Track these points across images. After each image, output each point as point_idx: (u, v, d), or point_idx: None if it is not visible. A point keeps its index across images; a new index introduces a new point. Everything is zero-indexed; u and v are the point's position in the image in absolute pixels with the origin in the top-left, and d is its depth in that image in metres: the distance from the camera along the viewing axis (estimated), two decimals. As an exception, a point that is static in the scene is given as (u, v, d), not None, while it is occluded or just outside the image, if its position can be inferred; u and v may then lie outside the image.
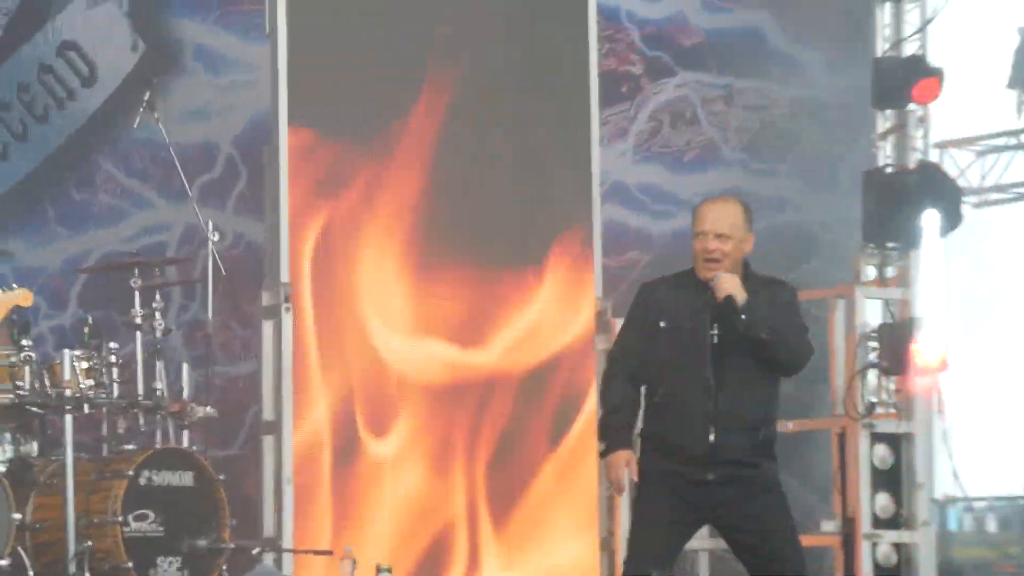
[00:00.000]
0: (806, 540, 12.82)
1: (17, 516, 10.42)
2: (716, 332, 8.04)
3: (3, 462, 10.65)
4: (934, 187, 12.71)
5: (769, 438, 8.10)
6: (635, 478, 8.27)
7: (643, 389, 8.25)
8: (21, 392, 10.78)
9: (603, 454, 8.26)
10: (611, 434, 8.29)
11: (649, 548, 8.23)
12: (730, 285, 7.91)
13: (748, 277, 8.09)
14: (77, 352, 11.13)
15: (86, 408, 11.02)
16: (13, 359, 10.75)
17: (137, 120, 12.87)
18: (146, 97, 12.77)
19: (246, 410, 12.26)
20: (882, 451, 12.31)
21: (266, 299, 11.92)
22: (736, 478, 8.12)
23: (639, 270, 8.98)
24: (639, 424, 8.25)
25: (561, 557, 12.24)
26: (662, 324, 8.18)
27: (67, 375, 10.93)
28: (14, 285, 8.33)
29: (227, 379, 12.35)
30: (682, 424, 8.19)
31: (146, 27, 13.81)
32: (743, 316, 7.87)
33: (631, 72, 14.96)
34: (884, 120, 12.97)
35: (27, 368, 10.81)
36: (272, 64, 12.14)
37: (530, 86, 12.78)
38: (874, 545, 11.93)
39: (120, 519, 10.66)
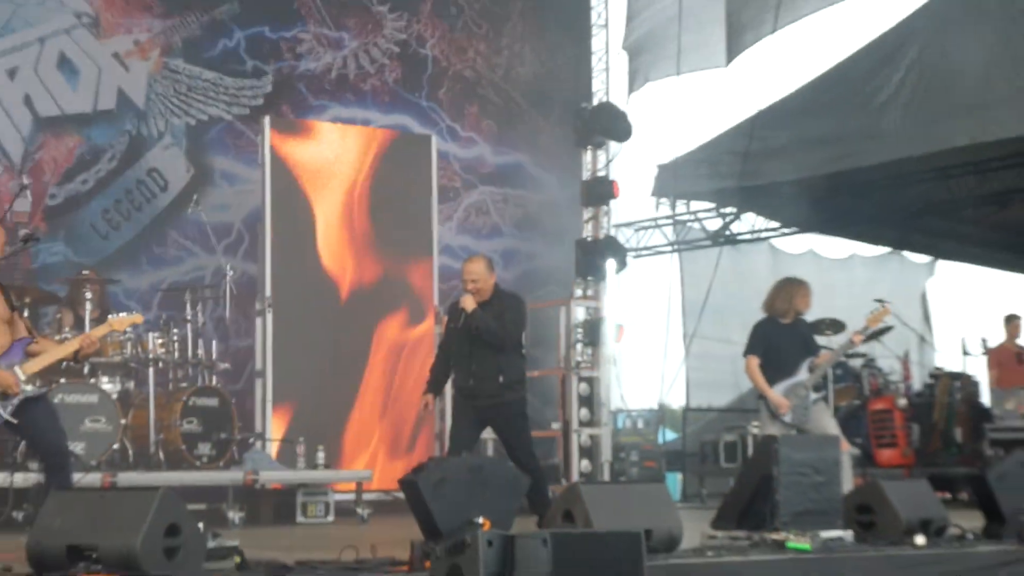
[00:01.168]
0: (543, 433, 13.06)
1: (123, 421, 10.45)
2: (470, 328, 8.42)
3: (116, 391, 10.66)
4: (613, 248, 12.89)
5: (508, 381, 8.44)
6: (431, 408, 9.15)
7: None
8: (126, 355, 10.86)
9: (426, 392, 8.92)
10: (426, 385, 8.87)
11: (457, 439, 8.48)
12: (465, 303, 8.35)
13: (496, 294, 8.49)
14: (156, 333, 11.15)
15: (160, 364, 11.10)
16: (121, 338, 10.79)
17: (189, 210, 12.91)
18: (195, 197, 12.81)
19: (249, 362, 12.24)
20: (583, 386, 12.30)
21: (258, 305, 12.02)
22: (491, 404, 8.40)
23: (458, 291, 9.15)
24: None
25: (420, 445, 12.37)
26: (451, 325, 8.51)
27: (150, 346, 10.96)
28: (133, 311, 8.16)
29: (237, 348, 12.30)
30: (459, 377, 8.56)
31: (195, 159, 13.75)
32: (467, 319, 8.30)
33: (453, 186, 14.99)
34: (588, 212, 13.17)
35: (128, 343, 10.87)
36: (262, 177, 12.22)
37: (399, 194, 12.91)
38: (579, 436, 12.07)
39: (178, 423, 10.74)
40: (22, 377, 6.79)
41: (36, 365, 6.89)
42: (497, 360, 8.37)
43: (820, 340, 12.43)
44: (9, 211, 11.92)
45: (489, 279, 8.44)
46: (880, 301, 9.53)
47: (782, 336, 9.21)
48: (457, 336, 8.50)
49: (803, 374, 9.05)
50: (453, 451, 8.35)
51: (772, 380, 9.04)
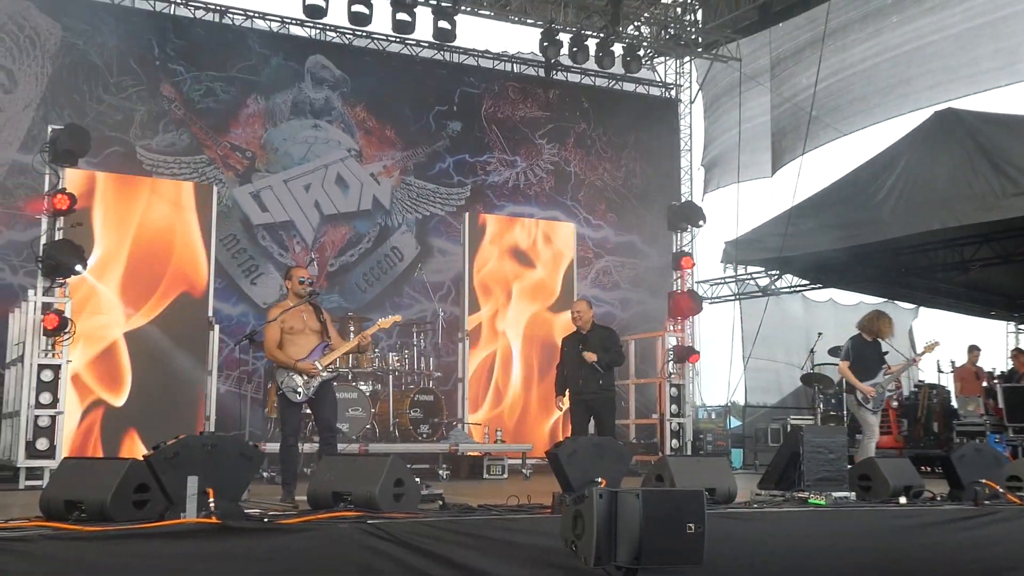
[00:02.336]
0: (646, 421, 12.78)
1: (372, 410, 10.62)
2: (581, 351, 8.25)
3: (368, 391, 10.83)
4: (694, 298, 12.64)
5: (606, 384, 8.35)
6: (563, 407, 8.77)
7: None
8: (375, 367, 11.05)
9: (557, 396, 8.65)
10: (555, 390, 8.69)
11: (576, 426, 8.39)
12: (585, 350, 8.31)
13: (595, 327, 8.38)
14: (394, 353, 11.33)
15: (396, 373, 11.25)
16: (372, 355, 10.99)
17: (416, 273, 13.14)
18: (419, 265, 13.06)
19: (453, 372, 12.26)
20: (673, 390, 11.68)
21: (460, 336, 12.11)
22: (594, 397, 8.28)
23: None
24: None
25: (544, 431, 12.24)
26: (565, 349, 8.39)
27: (390, 361, 11.17)
28: (394, 314, 8.05)
29: (446, 363, 12.32)
30: (573, 382, 8.38)
31: (420, 240, 14.01)
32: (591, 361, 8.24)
33: (587, 256, 14.99)
34: (676, 273, 12.96)
35: (376, 358, 11.06)
36: (463, 251, 12.35)
37: (556, 265, 12.86)
38: (670, 423, 11.80)
39: (408, 412, 10.87)
40: (320, 367, 6.89)
41: (329, 358, 6.94)
42: (597, 373, 8.37)
43: (835, 361, 12.14)
44: (304, 274, 12.31)
45: (588, 313, 8.53)
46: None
47: (866, 349, 8.97)
48: (571, 354, 8.51)
49: (880, 377, 8.84)
50: (574, 433, 8.31)
51: (859, 379, 8.81)
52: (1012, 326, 16.87)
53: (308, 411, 7.55)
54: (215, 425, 9.83)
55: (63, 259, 8.53)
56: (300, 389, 6.80)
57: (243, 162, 13.11)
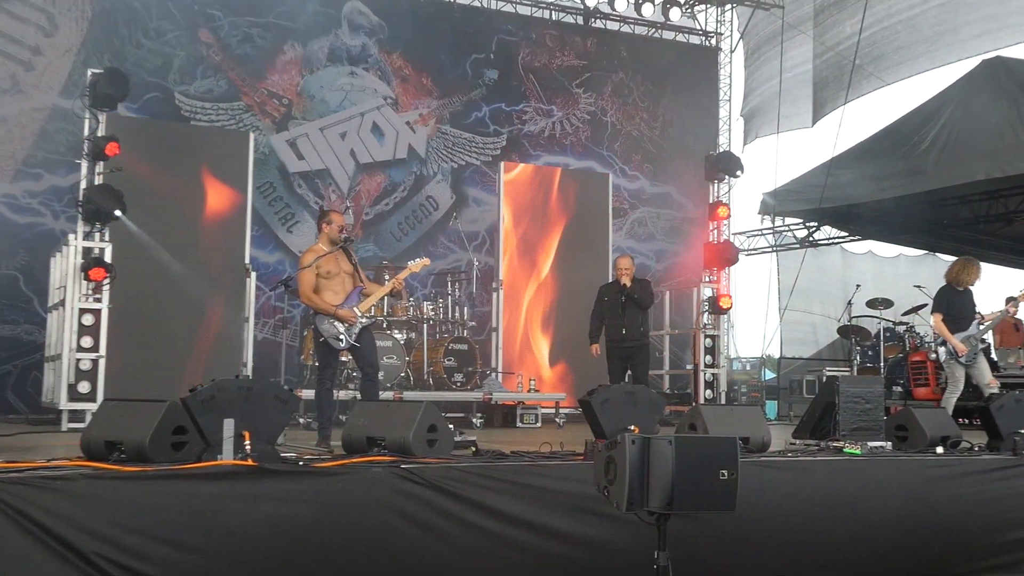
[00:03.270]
0: (680, 371, 12.74)
1: (407, 358, 10.62)
2: (623, 298, 8.25)
3: (403, 339, 10.82)
4: (730, 249, 12.48)
5: (645, 331, 8.49)
6: (597, 352, 8.76)
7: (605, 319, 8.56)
8: (409, 316, 11.03)
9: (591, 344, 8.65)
10: (590, 338, 8.68)
11: (613, 374, 8.41)
12: (625, 283, 8.43)
13: (635, 279, 8.40)
14: (428, 302, 11.29)
15: (431, 322, 11.21)
16: (407, 304, 10.98)
17: (451, 222, 13.08)
18: (454, 214, 12.99)
19: (488, 322, 12.26)
20: (708, 340, 11.78)
21: (494, 285, 12.07)
22: (634, 345, 8.33)
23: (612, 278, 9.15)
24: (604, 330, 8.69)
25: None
26: (606, 298, 8.41)
27: (425, 311, 11.12)
28: (422, 258, 7.81)
29: (480, 313, 12.37)
30: (613, 329, 8.46)
31: (455, 189, 13.93)
32: (627, 291, 8.32)
33: (623, 207, 14.83)
34: (712, 224, 12.75)
35: (411, 307, 11.04)
36: (498, 201, 12.27)
37: (591, 215, 12.78)
38: (704, 374, 11.73)
39: (442, 360, 10.86)
40: (359, 313, 6.88)
41: (367, 303, 6.93)
42: (640, 317, 8.56)
43: (873, 314, 11.97)
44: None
45: (632, 268, 8.71)
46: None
47: (957, 299, 8.63)
48: (611, 304, 8.59)
49: (974, 329, 8.53)
50: (612, 382, 8.29)
51: (951, 332, 8.47)
52: (1055, 279, 16.53)
53: (344, 358, 7.57)
54: (252, 372, 9.91)
55: (103, 204, 8.58)
56: (342, 336, 6.79)
57: (280, 109, 13.08)
